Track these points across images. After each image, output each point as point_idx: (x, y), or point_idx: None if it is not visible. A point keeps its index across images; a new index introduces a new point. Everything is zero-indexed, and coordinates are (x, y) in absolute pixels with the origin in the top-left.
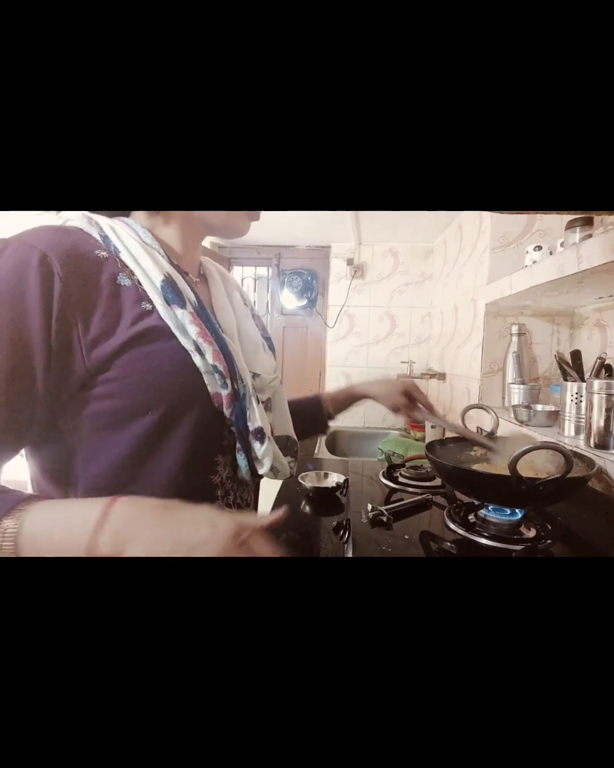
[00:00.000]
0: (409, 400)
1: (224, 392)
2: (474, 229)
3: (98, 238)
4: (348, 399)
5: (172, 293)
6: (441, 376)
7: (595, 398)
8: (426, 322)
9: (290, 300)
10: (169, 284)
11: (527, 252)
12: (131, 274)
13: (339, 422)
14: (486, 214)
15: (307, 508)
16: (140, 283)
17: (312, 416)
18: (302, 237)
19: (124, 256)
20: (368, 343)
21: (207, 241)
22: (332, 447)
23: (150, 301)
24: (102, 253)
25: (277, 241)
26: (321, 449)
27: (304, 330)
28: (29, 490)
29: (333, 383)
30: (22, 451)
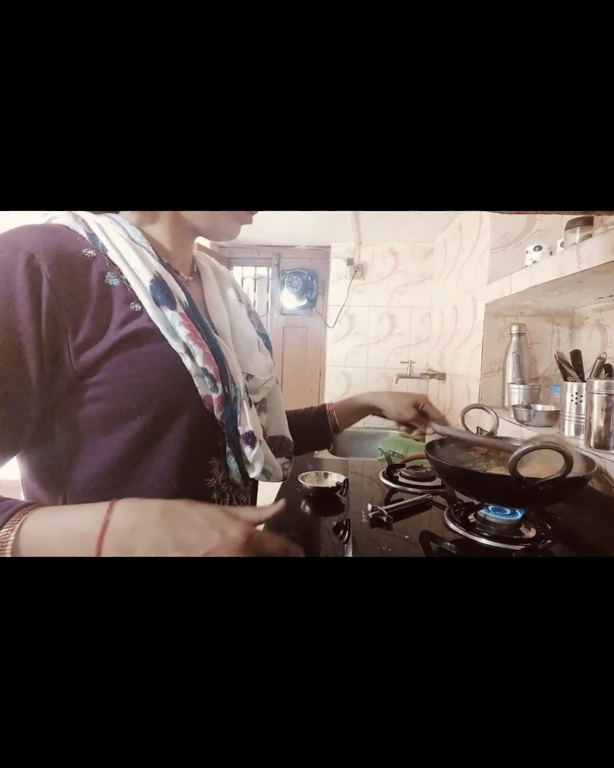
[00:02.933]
0: (419, 414)
1: (215, 395)
2: (474, 229)
3: (85, 235)
4: (356, 412)
5: (162, 294)
6: (441, 376)
7: (595, 398)
8: (426, 322)
9: (290, 300)
10: (158, 284)
11: (527, 252)
12: (119, 273)
13: None
14: (486, 214)
15: (307, 508)
16: (129, 283)
17: (316, 432)
18: (302, 237)
19: (112, 255)
20: (368, 343)
21: (207, 241)
22: (332, 447)
23: (139, 302)
24: (89, 251)
25: (277, 241)
26: None
27: (304, 330)
28: (21, 492)
29: (333, 383)
30: None
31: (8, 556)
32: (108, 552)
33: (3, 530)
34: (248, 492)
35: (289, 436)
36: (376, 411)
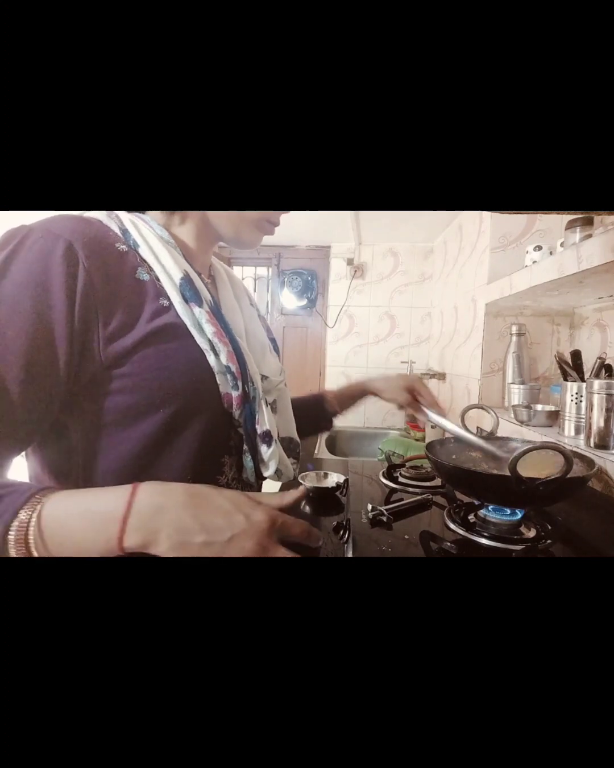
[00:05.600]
0: (413, 397)
1: (235, 394)
2: (474, 229)
3: (117, 231)
4: (353, 396)
5: (190, 291)
6: (441, 376)
7: (595, 398)
8: (426, 322)
9: (290, 300)
10: (187, 282)
11: (527, 252)
12: (150, 269)
13: (339, 422)
14: (486, 214)
15: (307, 508)
16: (158, 279)
17: (315, 416)
18: (302, 237)
19: (144, 251)
20: (368, 343)
21: None
22: (332, 447)
23: (167, 298)
24: (121, 246)
25: (277, 241)
26: (321, 449)
27: (304, 330)
28: None
29: (333, 383)
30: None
31: (31, 539)
32: (131, 534)
33: (23, 513)
34: (256, 490)
35: (297, 438)
36: (372, 393)
